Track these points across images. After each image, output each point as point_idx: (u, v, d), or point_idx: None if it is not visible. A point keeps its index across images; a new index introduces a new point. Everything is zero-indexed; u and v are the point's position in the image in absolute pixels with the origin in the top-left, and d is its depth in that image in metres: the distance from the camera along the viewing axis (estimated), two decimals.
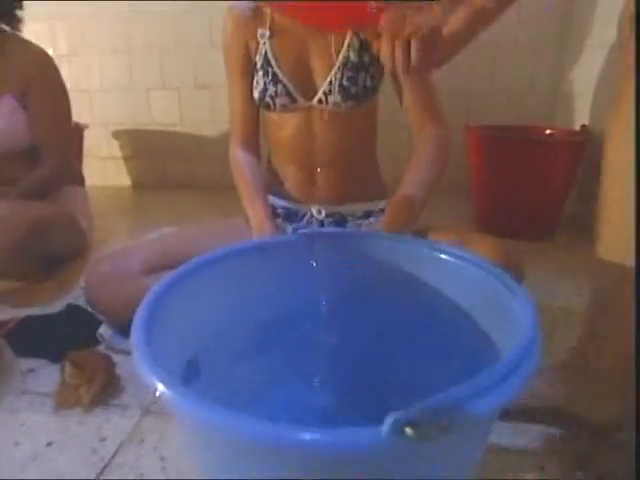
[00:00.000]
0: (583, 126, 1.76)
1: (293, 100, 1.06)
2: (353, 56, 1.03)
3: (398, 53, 0.51)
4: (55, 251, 1.30)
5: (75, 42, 2.53)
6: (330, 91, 1.04)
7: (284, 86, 1.06)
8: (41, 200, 1.34)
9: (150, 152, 2.60)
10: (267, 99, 1.07)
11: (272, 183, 1.16)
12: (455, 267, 0.58)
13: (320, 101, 1.06)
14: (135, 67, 2.48)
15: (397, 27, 0.52)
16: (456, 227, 0.98)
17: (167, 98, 2.46)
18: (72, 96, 2.54)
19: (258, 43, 1.09)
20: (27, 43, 1.36)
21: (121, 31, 2.44)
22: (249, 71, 1.10)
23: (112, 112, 2.56)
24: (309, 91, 1.06)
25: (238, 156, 1.14)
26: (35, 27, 2.52)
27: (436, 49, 0.50)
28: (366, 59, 1.04)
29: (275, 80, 1.06)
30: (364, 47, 1.04)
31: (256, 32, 1.08)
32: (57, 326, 1.03)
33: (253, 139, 1.16)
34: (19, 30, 1.40)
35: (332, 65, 1.04)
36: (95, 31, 2.48)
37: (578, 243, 1.69)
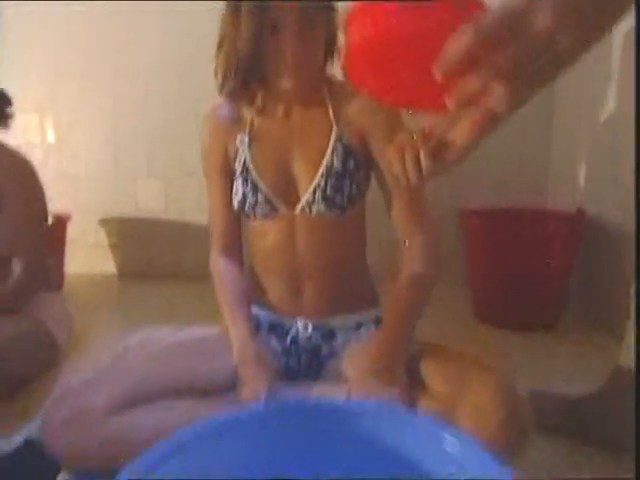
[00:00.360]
0: (579, 210, 1.71)
1: (274, 209, 1.01)
2: (337, 163, 0.98)
3: (408, 161, 0.51)
4: (21, 371, 1.20)
5: (63, 132, 2.53)
6: (313, 200, 0.99)
7: (264, 195, 1.00)
8: (14, 310, 1.26)
9: (136, 240, 2.55)
10: (247, 208, 1.02)
11: (255, 292, 1.08)
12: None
13: (303, 210, 1.00)
14: (121, 156, 2.47)
15: (406, 136, 0.51)
16: (453, 355, 0.90)
17: (153, 186, 2.44)
18: (59, 184, 2.60)
19: (237, 149, 1.04)
20: (2, 148, 1.32)
21: (108, 121, 2.45)
22: (228, 176, 1.05)
23: (99, 200, 2.53)
24: (291, 199, 1.01)
25: (219, 264, 1.08)
26: (24, 118, 2.54)
27: (446, 157, 0.49)
28: (351, 166, 0.99)
29: (255, 189, 1.01)
30: (349, 153, 0.99)
31: (235, 137, 1.04)
32: (9, 469, 0.91)
33: (235, 246, 1.10)
34: (7, 126, 1.39)
35: (315, 173, 0.99)
36: (82, 121, 2.50)
37: (583, 333, 1.61)
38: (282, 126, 1.03)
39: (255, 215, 1.02)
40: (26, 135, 2.51)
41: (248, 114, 1.05)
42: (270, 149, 1.02)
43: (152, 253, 2.55)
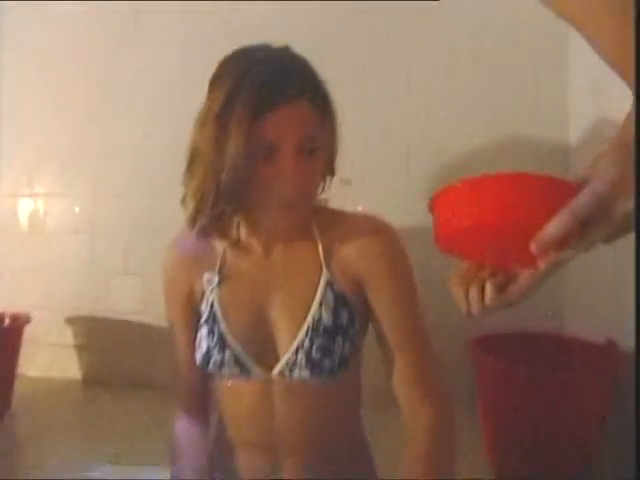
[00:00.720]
0: (610, 341, 1.49)
1: (245, 371, 0.79)
2: (327, 316, 0.77)
3: (473, 291, 0.51)
4: None
5: (37, 220, 2.34)
6: (295, 363, 0.77)
7: (233, 352, 0.78)
8: None
9: (106, 343, 2.28)
10: (211, 366, 0.79)
11: (221, 464, 0.86)
12: None
13: (282, 374, 0.78)
14: (97, 249, 2.27)
15: (471, 267, 0.53)
16: None
17: (130, 284, 2.21)
18: (26, 276, 2.38)
19: (204, 290, 0.83)
20: None
21: (85, 211, 2.27)
22: (194, 322, 0.84)
23: (68, 295, 2.29)
24: (268, 360, 0.79)
25: (177, 425, 0.88)
26: None
27: (509, 292, 0.50)
28: (344, 319, 0.78)
29: (222, 343, 0.79)
30: (341, 303, 0.78)
31: (202, 275, 0.83)
32: None
33: (200, 405, 0.89)
34: None
35: (298, 328, 0.77)
36: (58, 210, 2.31)
37: None
38: (260, 265, 0.82)
39: (221, 375, 0.80)
40: None
41: (220, 246, 0.84)
42: (244, 293, 0.81)
43: (123, 359, 2.27)
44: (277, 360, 0.79)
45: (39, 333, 2.23)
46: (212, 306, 0.81)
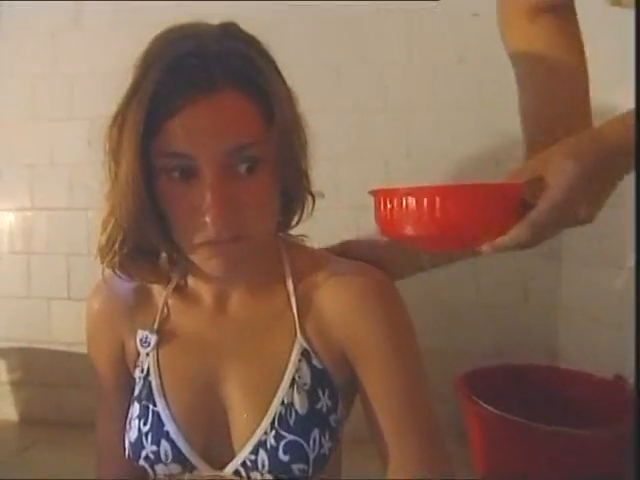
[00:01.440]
0: (618, 376, 1.34)
1: (187, 468, 0.59)
2: (300, 401, 0.57)
3: None
4: None
5: None
6: (256, 464, 0.57)
7: (172, 444, 0.58)
8: None
9: (46, 378, 2.01)
10: (142, 461, 0.59)
11: None
12: None
13: (238, 474, 0.58)
14: (35, 271, 1.99)
15: None
16: None
17: (73, 310, 1.93)
18: None
19: (139, 353, 0.64)
20: None
21: (21, 229, 1.99)
22: (125, 390, 0.65)
23: (1, 323, 2.01)
24: (219, 454, 0.59)
25: None
26: None
27: None
28: (323, 403, 0.58)
29: (158, 430, 0.59)
30: (320, 380, 0.59)
31: (136, 330, 0.64)
32: None
33: None
34: None
35: (261, 416, 0.57)
36: None
37: None
38: (212, 322, 0.62)
39: (154, 473, 0.60)
40: None
41: (159, 293, 0.65)
42: (189, 360, 0.62)
43: (65, 395, 2.00)
44: (232, 456, 0.58)
45: None
46: (147, 376, 0.61)
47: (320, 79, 1.75)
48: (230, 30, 0.54)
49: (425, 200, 0.48)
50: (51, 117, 1.93)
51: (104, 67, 1.83)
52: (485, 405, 1.29)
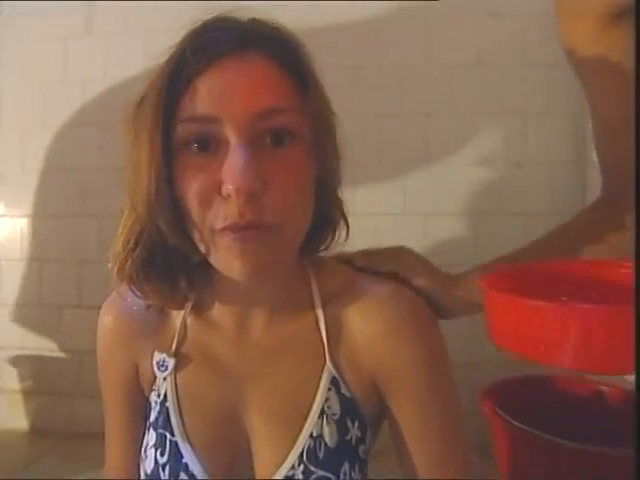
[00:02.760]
0: None
1: None
2: (330, 433, 0.53)
3: None
4: None
5: None
6: None
7: (191, 476, 0.54)
8: None
9: (58, 387, 1.97)
10: None
11: None
12: None
13: None
14: (46, 278, 1.96)
15: None
16: None
17: (85, 318, 1.91)
18: None
19: (155, 376, 0.60)
20: None
21: (32, 236, 1.96)
22: (139, 417, 0.62)
23: (13, 332, 1.98)
24: None
25: None
26: None
27: None
28: (353, 434, 0.54)
29: (176, 461, 0.55)
30: (350, 410, 0.54)
31: (153, 352, 0.60)
32: None
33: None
34: None
35: (288, 449, 0.53)
36: (1, 234, 2.00)
37: None
38: (233, 346, 0.58)
39: None
40: None
41: (177, 313, 0.60)
42: (210, 386, 0.58)
43: (76, 405, 1.96)
44: None
45: None
46: (164, 401, 0.57)
47: (336, 83, 1.71)
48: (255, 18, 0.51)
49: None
50: (62, 123, 1.91)
51: (116, 73, 1.81)
52: (511, 419, 1.24)
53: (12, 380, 2.00)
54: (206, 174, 0.46)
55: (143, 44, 1.75)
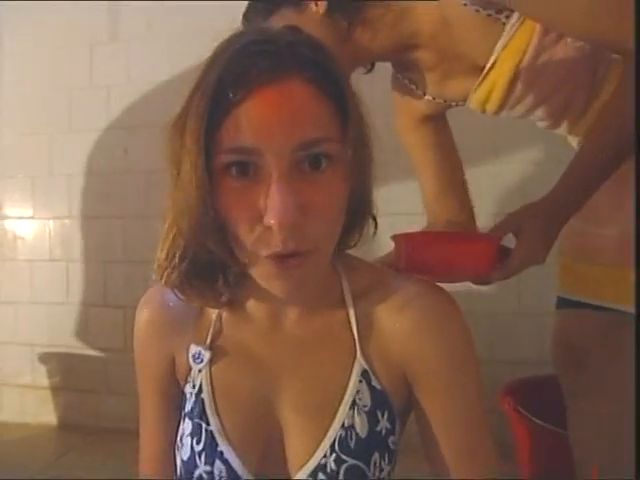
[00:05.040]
0: None
1: None
2: (361, 424, 0.55)
3: None
4: None
5: (7, 247, 2.10)
6: None
7: (227, 464, 0.56)
8: None
9: (84, 383, 2.03)
10: (195, 478, 0.57)
11: None
12: None
13: None
14: (74, 278, 2.02)
15: None
16: None
17: (110, 317, 1.96)
18: None
19: (190, 367, 0.61)
20: None
21: (60, 237, 2.03)
22: (172, 406, 0.63)
23: (41, 330, 2.05)
24: (273, 475, 0.57)
25: None
26: None
27: None
28: (383, 426, 0.55)
29: (212, 450, 0.56)
30: (380, 402, 0.56)
31: (189, 346, 0.61)
32: None
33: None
34: None
35: (319, 438, 0.55)
36: (31, 235, 2.07)
37: None
38: (267, 340, 0.60)
39: None
40: None
41: (212, 309, 0.61)
42: (244, 378, 0.59)
43: (103, 401, 2.02)
44: (286, 477, 0.56)
45: (8, 373, 2.00)
46: (199, 393, 0.59)
47: (354, 82, 1.73)
48: (299, 29, 0.51)
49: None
50: (88, 127, 1.97)
51: (139, 78, 1.86)
52: (532, 417, 1.24)
53: (41, 377, 2.07)
54: (248, 202, 0.47)
55: (166, 49, 1.79)
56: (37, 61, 2.01)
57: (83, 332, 2.01)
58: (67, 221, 2.01)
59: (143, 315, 0.64)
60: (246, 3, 0.83)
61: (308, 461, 0.54)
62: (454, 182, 1.00)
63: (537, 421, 1.25)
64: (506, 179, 1.67)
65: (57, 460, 1.86)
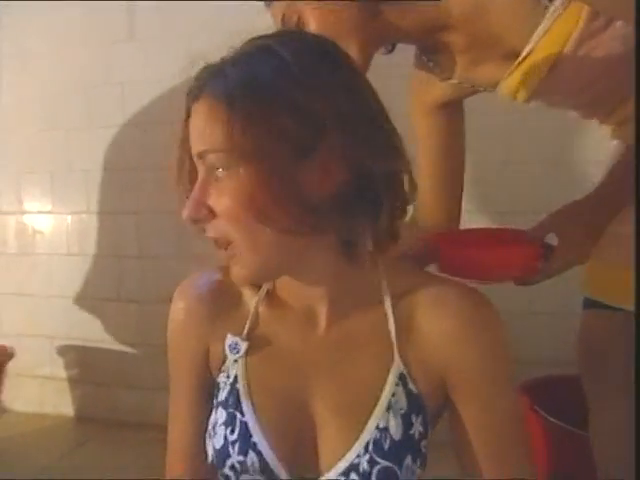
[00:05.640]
0: None
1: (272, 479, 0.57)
2: (395, 427, 0.55)
3: None
4: None
5: (26, 241, 2.13)
6: None
7: (260, 455, 0.56)
8: None
9: (100, 376, 2.06)
10: (226, 470, 0.58)
11: None
12: None
13: None
14: (90, 272, 2.04)
15: None
16: None
17: (124, 312, 1.99)
18: (13, 301, 2.16)
19: (225, 357, 0.62)
20: None
21: (78, 232, 2.06)
22: (205, 396, 0.64)
23: (59, 322, 2.08)
24: (305, 470, 0.57)
25: None
26: None
27: None
28: (416, 429, 0.56)
29: (245, 440, 0.57)
30: (415, 406, 0.57)
31: (225, 336, 0.62)
32: None
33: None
34: None
35: (354, 438, 0.55)
36: (49, 230, 2.10)
37: None
38: (303, 336, 0.61)
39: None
40: None
41: (251, 298, 0.63)
42: (280, 371, 0.60)
43: (119, 394, 2.04)
44: (317, 473, 0.56)
45: (27, 365, 2.03)
46: (234, 383, 0.59)
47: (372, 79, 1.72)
48: (274, 38, 0.55)
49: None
50: (106, 124, 1.99)
51: (156, 75, 1.87)
52: (547, 416, 1.23)
53: (60, 369, 2.11)
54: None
55: (183, 47, 1.80)
56: (56, 59, 2.03)
57: (99, 326, 2.04)
58: (84, 216, 2.04)
59: (179, 305, 0.65)
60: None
61: (341, 460, 0.55)
62: (451, 177, 0.96)
63: (554, 421, 1.24)
64: (516, 177, 1.65)
65: (74, 451, 1.89)
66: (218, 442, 0.58)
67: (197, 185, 0.54)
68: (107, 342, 2.03)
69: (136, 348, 1.99)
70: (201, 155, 0.53)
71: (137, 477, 1.56)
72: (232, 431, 0.57)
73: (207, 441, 0.61)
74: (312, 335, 0.60)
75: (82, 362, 2.09)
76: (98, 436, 1.96)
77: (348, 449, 0.55)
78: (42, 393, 2.11)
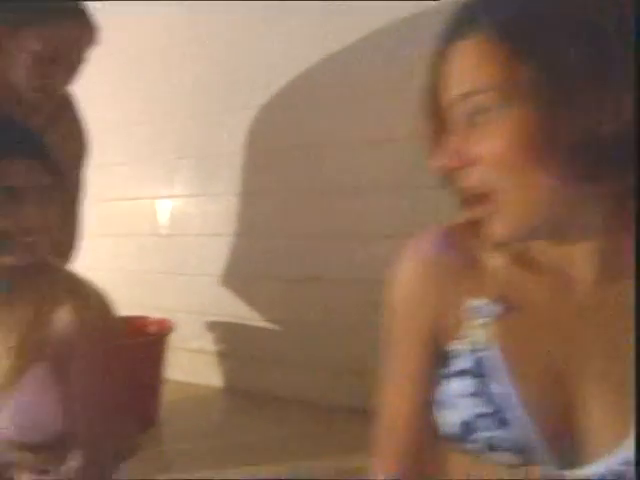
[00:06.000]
0: None
1: (526, 460, 0.51)
2: None
3: None
4: None
5: (178, 222, 2.27)
6: (618, 475, 0.47)
7: (519, 431, 0.51)
8: None
9: (247, 351, 2.14)
10: (470, 444, 0.53)
11: None
12: None
13: None
14: (238, 252, 2.13)
15: None
16: None
17: (274, 290, 2.04)
18: (169, 279, 2.34)
19: (461, 322, 0.56)
20: (78, 286, 0.95)
21: (226, 213, 2.15)
22: (433, 355, 0.59)
23: (210, 299, 2.20)
24: (565, 452, 0.50)
25: None
26: (139, 204, 2.36)
27: None
28: None
29: (501, 414, 0.51)
30: None
31: (463, 301, 0.56)
32: None
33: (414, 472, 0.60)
34: None
35: (623, 427, 0.48)
36: (198, 211, 2.22)
37: None
38: (559, 301, 0.53)
39: (483, 460, 0.53)
40: (137, 223, 2.32)
41: (493, 259, 0.56)
42: (537, 339, 0.53)
43: (265, 369, 2.11)
44: (581, 459, 0.50)
45: (180, 338, 2.17)
46: (483, 350, 0.54)
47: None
48: None
49: None
50: (249, 105, 2.04)
51: (296, 60, 1.88)
52: None
53: (209, 343, 2.22)
54: None
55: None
56: (114, 54, 2.13)
57: (246, 303, 2.12)
58: (231, 197, 2.12)
59: (408, 268, 0.60)
60: None
61: (617, 445, 0.48)
62: None
63: None
64: None
65: (223, 421, 2.01)
66: (465, 414, 0.53)
67: (455, 132, 0.50)
68: (254, 319, 2.10)
69: (282, 325, 2.04)
70: (464, 98, 0.49)
71: (279, 451, 1.59)
72: (483, 401, 0.52)
73: (438, 413, 0.57)
74: (569, 300, 0.53)
75: (230, 338, 2.18)
76: (246, 408, 2.04)
77: (625, 435, 0.47)
78: (193, 365, 2.25)
